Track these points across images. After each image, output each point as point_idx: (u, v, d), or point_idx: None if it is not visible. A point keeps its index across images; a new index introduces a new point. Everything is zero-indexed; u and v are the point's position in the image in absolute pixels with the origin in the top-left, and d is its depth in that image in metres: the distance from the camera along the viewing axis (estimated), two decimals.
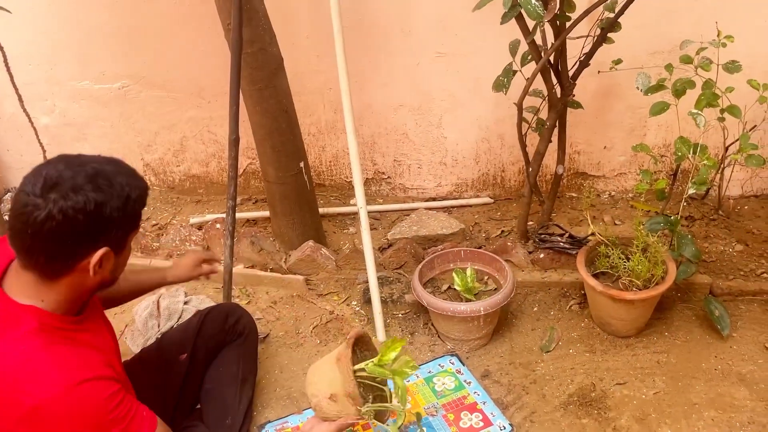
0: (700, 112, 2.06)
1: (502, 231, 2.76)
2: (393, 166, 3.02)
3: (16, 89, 2.18)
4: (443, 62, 2.69)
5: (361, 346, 1.68)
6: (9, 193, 3.27)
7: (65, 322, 1.28)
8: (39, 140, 2.35)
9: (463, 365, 2.15)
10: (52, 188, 1.16)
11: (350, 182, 3.11)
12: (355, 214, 2.97)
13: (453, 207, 2.98)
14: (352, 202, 3.09)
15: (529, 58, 2.20)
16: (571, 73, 2.26)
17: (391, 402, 1.62)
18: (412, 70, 2.73)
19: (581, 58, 2.24)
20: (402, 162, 3.00)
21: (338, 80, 2.18)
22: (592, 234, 2.28)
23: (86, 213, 1.17)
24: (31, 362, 1.19)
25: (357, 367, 1.56)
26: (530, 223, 2.65)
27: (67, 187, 1.16)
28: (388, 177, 3.06)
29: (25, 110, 2.21)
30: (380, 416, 1.63)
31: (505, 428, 1.90)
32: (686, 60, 2.15)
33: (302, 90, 2.75)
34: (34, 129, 2.32)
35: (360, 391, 1.54)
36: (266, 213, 2.86)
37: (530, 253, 2.53)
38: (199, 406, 1.81)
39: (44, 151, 2.36)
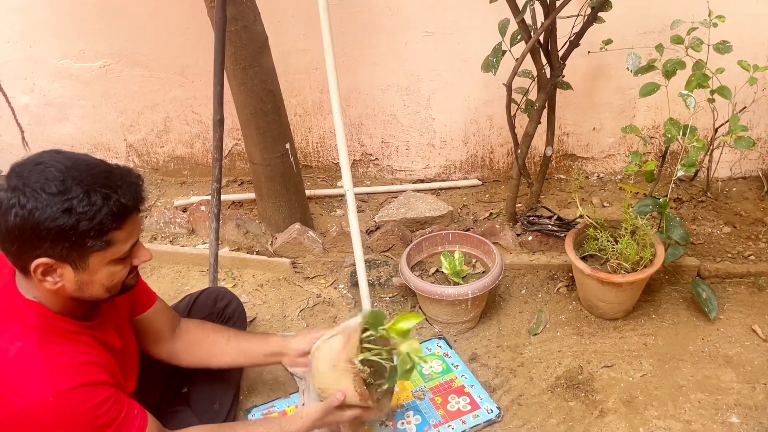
0: (690, 93, 2.04)
1: (491, 213, 2.74)
2: (381, 147, 2.99)
3: None
4: (431, 41, 2.64)
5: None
6: None
7: (67, 323, 1.27)
8: (17, 120, 2.29)
9: (451, 348, 2.14)
10: (10, 183, 1.14)
11: (337, 164, 3.07)
12: (343, 196, 2.93)
13: (441, 189, 2.95)
14: (339, 183, 3.06)
15: (518, 37, 2.17)
16: (560, 54, 2.23)
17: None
18: (399, 50, 2.68)
19: (571, 38, 2.20)
20: (390, 143, 2.96)
21: (324, 59, 2.13)
22: (581, 216, 2.26)
23: (18, 215, 1.12)
24: (26, 362, 1.18)
25: (365, 335, 1.52)
26: (518, 205, 2.64)
27: (16, 185, 1.13)
28: (376, 158, 3.03)
29: (1, 89, 2.15)
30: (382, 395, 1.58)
31: (492, 411, 1.89)
32: (677, 40, 2.12)
33: (288, 69, 2.70)
34: (11, 109, 2.26)
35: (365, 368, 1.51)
36: (252, 195, 2.82)
37: (518, 235, 2.51)
38: (185, 390, 1.78)
39: (22, 132, 2.30)
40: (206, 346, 1.66)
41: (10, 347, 1.18)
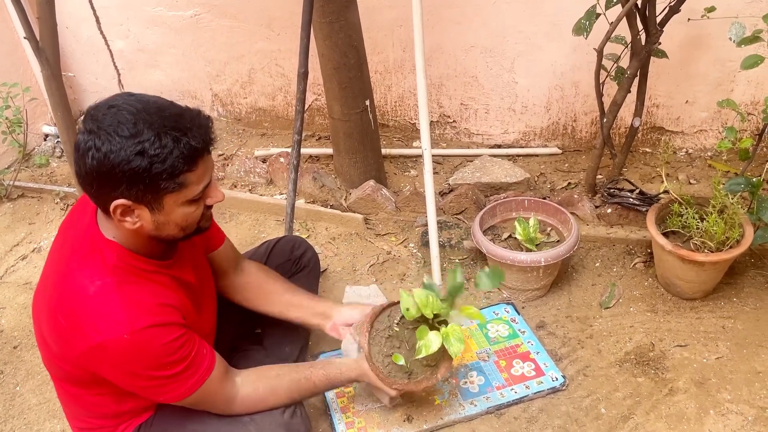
0: None
1: (569, 183, 2.68)
2: (459, 109, 2.95)
3: (95, 12, 2.21)
4: (521, 2, 2.57)
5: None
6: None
7: (145, 263, 1.31)
8: (115, 64, 2.39)
9: (518, 314, 2.13)
10: (87, 126, 1.17)
11: (414, 124, 3.07)
12: (417, 156, 2.94)
13: (518, 155, 2.90)
14: (415, 144, 3.06)
15: (614, 0, 2.08)
16: (658, 19, 2.13)
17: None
18: (486, 9, 2.62)
19: (671, 4, 2.09)
20: (469, 106, 2.93)
21: (410, 17, 2.11)
22: (665, 191, 2.18)
23: (94, 158, 1.14)
24: (104, 300, 1.23)
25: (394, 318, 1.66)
26: (599, 176, 2.56)
27: (92, 128, 1.15)
28: (454, 121, 3.00)
29: (102, 33, 2.25)
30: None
31: (557, 379, 1.88)
32: None
33: (372, 26, 2.69)
34: (110, 52, 2.36)
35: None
36: (329, 150, 2.86)
37: (597, 207, 2.45)
38: (259, 331, 1.86)
39: (119, 75, 2.40)
40: (261, 292, 1.70)
41: (90, 285, 1.23)
